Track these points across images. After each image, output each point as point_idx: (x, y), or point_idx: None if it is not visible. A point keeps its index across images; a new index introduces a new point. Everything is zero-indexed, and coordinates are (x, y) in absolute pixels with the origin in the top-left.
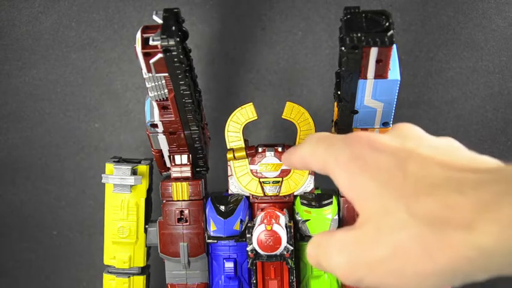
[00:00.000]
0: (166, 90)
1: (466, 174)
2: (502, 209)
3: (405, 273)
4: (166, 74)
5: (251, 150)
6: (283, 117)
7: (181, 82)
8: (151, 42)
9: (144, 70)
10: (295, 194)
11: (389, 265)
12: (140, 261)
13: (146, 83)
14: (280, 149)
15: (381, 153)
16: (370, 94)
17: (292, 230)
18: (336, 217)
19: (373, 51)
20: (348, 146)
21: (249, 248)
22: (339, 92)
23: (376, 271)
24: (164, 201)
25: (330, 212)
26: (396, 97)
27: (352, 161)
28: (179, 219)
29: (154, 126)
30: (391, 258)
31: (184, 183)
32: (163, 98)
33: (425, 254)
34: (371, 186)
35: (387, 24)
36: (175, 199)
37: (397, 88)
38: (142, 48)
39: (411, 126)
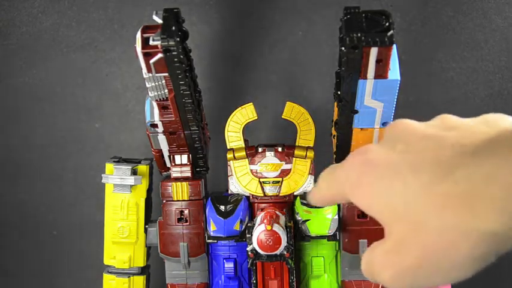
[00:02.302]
0: (166, 90)
1: (457, 159)
2: (492, 193)
3: (443, 268)
4: (167, 74)
5: (251, 150)
6: (283, 117)
7: (181, 82)
8: (151, 42)
9: (144, 70)
10: (295, 194)
11: (427, 266)
12: (140, 261)
13: (146, 83)
14: (280, 149)
15: (377, 167)
16: (370, 94)
17: (292, 230)
18: (336, 217)
19: (373, 51)
20: (349, 172)
21: (249, 248)
22: (339, 92)
23: (419, 275)
24: (164, 201)
25: (330, 212)
26: (396, 97)
27: (357, 183)
28: (179, 219)
29: (154, 126)
30: (425, 260)
31: (184, 183)
32: (163, 98)
33: (450, 248)
34: (380, 199)
35: (387, 24)
36: (175, 199)
37: (397, 88)
38: (143, 48)
39: (401, 122)
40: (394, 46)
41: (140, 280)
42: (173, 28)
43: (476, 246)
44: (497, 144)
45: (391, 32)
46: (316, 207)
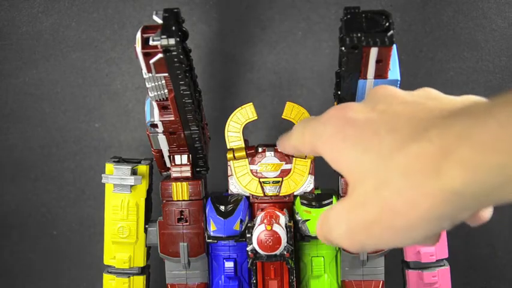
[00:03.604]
0: (166, 90)
1: (433, 120)
2: (462, 152)
3: (397, 227)
4: (166, 74)
5: (251, 150)
6: (283, 117)
7: (181, 82)
8: (151, 42)
9: (144, 70)
10: (295, 194)
11: (382, 223)
12: (140, 261)
13: (146, 83)
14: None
15: (356, 124)
16: None
17: (292, 230)
18: None
19: (373, 51)
20: (327, 125)
21: (249, 248)
22: (339, 92)
23: (372, 232)
24: (164, 201)
25: None
26: None
27: (332, 137)
28: (179, 219)
29: (154, 126)
30: (381, 217)
31: (184, 183)
32: (163, 98)
33: (409, 207)
34: (352, 155)
35: (387, 24)
36: (175, 199)
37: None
38: (143, 48)
39: (385, 87)
40: (394, 46)
41: (140, 280)
42: (173, 28)
43: (434, 206)
44: (472, 108)
45: (391, 32)
46: (316, 207)
